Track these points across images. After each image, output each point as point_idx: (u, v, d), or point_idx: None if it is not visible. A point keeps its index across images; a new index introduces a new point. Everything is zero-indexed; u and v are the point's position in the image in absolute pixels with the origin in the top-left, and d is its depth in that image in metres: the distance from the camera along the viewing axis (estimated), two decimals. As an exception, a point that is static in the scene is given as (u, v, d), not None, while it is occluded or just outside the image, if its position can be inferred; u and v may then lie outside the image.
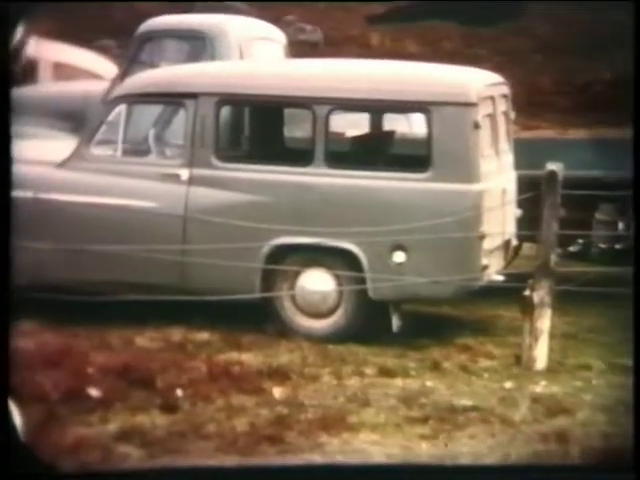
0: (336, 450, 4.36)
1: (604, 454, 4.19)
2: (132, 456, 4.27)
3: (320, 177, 5.94)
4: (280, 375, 5.18)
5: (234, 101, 6.29)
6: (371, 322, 5.92)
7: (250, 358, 5.45)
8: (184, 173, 6.05)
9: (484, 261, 5.81)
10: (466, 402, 4.87)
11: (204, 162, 6.05)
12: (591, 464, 4.25)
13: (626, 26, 4.62)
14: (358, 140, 6.69)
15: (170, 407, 4.73)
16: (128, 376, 4.98)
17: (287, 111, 6.70)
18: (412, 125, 7.25)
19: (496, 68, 6.99)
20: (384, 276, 5.74)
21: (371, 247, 5.76)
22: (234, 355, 5.50)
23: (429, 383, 5.19)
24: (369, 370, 5.35)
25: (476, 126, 5.84)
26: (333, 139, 6.11)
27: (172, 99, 6.23)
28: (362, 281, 5.81)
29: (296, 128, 6.82)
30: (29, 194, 5.94)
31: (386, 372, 5.31)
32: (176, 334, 5.77)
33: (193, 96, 6.07)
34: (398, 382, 5.19)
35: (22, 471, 3.81)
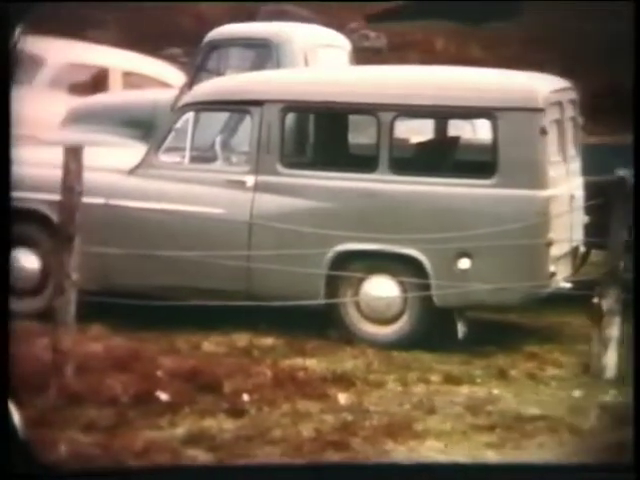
0: (402, 457, 4.36)
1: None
2: (200, 460, 4.32)
3: (385, 183, 5.95)
4: (345, 381, 5.19)
5: (299, 108, 6.33)
6: (436, 329, 5.90)
7: (314, 364, 5.48)
8: (250, 180, 6.10)
9: (551, 268, 5.76)
10: (534, 411, 4.83)
11: (269, 169, 6.10)
12: (591, 464, 4.22)
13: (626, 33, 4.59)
14: (423, 146, 6.68)
15: (237, 412, 4.78)
16: (195, 380, 5.04)
17: (351, 118, 6.73)
18: (477, 131, 7.22)
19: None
20: (449, 283, 5.72)
21: (436, 254, 5.75)
22: (299, 361, 5.52)
23: (495, 391, 5.16)
24: (434, 377, 5.34)
25: (543, 132, 5.80)
26: (397, 145, 6.11)
27: (238, 106, 6.29)
28: (427, 288, 5.80)
29: (360, 135, 6.84)
30: (100, 201, 6.05)
31: (451, 379, 5.29)
32: (242, 339, 5.82)
33: (259, 103, 6.13)
34: (464, 390, 5.17)
35: (22, 471, 3.84)
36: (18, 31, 4.32)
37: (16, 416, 3.90)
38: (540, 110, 5.81)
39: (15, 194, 6.20)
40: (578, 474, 4.05)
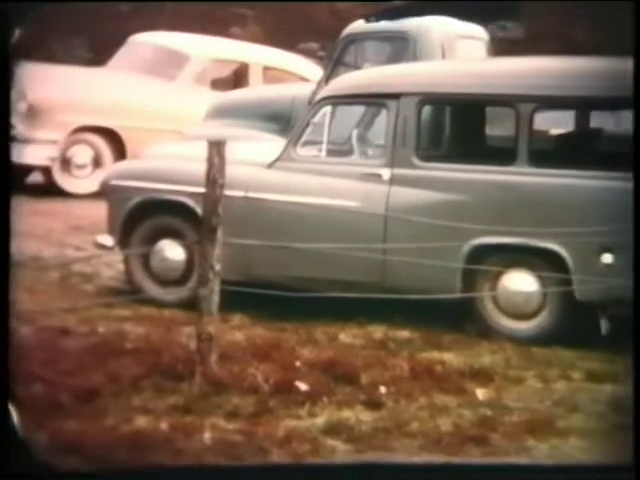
0: (544, 455, 4.29)
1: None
2: (339, 450, 4.36)
3: (523, 176, 5.85)
4: (483, 376, 5.14)
5: (436, 101, 6.30)
6: (577, 325, 5.78)
7: (451, 358, 5.44)
8: (385, 173, 6.11)
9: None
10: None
11: (405, 162, 6.09)
12: (591, 464, 4.09)
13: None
14: (563, 138, 6.54)
15: (374, 403, 4.79)
16: (333, 371, 5.08)
17: (488, 109, 6.65)
18: (621, 122, 7.02)
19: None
20: (591, 278, 5.59)
21: (577, 248, 5.63)
22: (435, 354, 5.50)
23: (640, 390, 5.02)
24: (576, 374, 5.23)
25: (690, 123, 5.59)
26: (537, 137, 6.01)
27: (374, 100, 6.30)
28: (567, 282, 5.68)
29: (497, 126, 6.75)
30: (240, 194, 6.17)
31: (594, 377, 5.17)
32: (378, 331, 5.83)
33: (395, 96, 6.12)
34: (607, 388, 5.05)
35: (22, 471, 3.86)
36: None
37: (15, 416, 3.93)
38: (688, 100, 5.60)
39: (162, 186, 6.42)
40: (578, 474, 3.98)
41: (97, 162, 9.47)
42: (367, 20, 8.00)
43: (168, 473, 4.09)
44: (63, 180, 9.45)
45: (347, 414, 4.67)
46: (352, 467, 4.22)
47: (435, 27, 7.85)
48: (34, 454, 3.91)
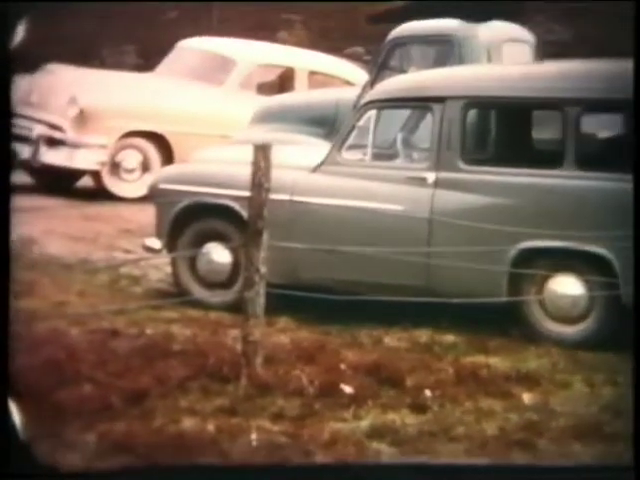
0: (590, 460, 4.26)
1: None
2: (384, 453, 4.37)
3: (570, 180, 5.82)
4: (529, 380, 5.12)
5: (481, 104, 6.29)
6: (624, 329, 5.72)
7: (497, 362, 5.42)
8: (430, 176, 6.11)
9: None
10: None
11: (450, 165, 6.09)
12: (591, 464, 4.04)
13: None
14: (610, 141, 6.49)
15: (419, 407, 4.79)
16: (378, 374, 5.09)
17: (535, 112, 6.61)
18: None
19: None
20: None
21: (624, 251, 5.57)
22: (481, 358, 5.48)
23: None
24: (622, 379, 5.18)
25: None
26: (584, 140, 5.97)
27: (420, 103, 6.31)
28: (614, 286, 5.64)
29: (544, 130, 6.72)
30: (285, 197, 6.21)
31: (641, 382, 5.12)
32: (423, 335, 5.83)
33: (440, 100, 6.12)
34: (655, 393, 4.99)
35: (22, 471, 3.87)
36: None
37: (16, 416, 3.94)
38: None
39: (208, 190, 6.49)
40: (578, 474, 3.94)
41: (145, 166, 9.59)
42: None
43: (168, 473, 4.11)
44: (112, 184, 9.57)
45: (392, 417, 4.67)
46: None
47: (481, 31, 7.83)
48: (34, 454, 3.93)
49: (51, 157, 9.44)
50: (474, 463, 4.26)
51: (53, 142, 9.46)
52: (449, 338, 5.80)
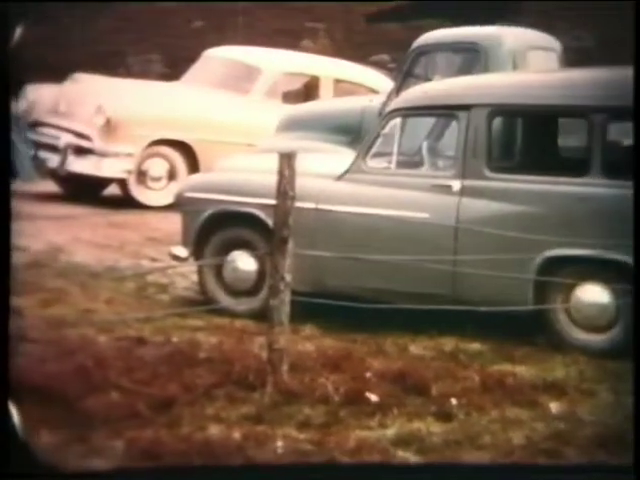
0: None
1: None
2: (409, 461, 4.36)
3: (597, 187, 5.80)
4: (556, 389, 5.10)
5: (507, 112, 6.28)
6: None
7: (523, 370, 5.40)
8: (456, 184, 6.11)
9: None
10: None
11: (476, 173, 6.08)
12: (591, 464, 4.00)
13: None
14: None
15: (445, 415, 4.78)
16: (403, 382, 5.09)
17: (561, 120, 6.59)
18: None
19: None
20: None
21: (652, 260, 5.54)
22: (507, 367, 5.46)
23: None
24: (650, 388, 5.14)
25: None
26: (610, 148, 5.94)
27: (445, 111, 6.31)
28: (642, 295, 5.60)
29: (569, 137, 6.70)
30: (310, 205, 6.23)
31: (669, 391, 5.08)
32: (448, 343, 5.82)
33: (466, 108, 6.12)
34: (682, 402, 4.95)
35: (22, 471, 3.86)
36: None
37: (16, 416, 3.94)
38: None
39: (234, 199, 6.52)
40: (578, 474, 3.91)
41: (172, 175, 9.64)
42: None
43: (168, 473, 4.12)
44: (139, 192, 9.63)
45: (418, 425, 4.66)
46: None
47: (506, 38, 7.82)
48: (34, 454, 3.93)
49: (78, 166, 9.52)
50: (474, 463, 4.25)
51: (80, 151, 9.53)
52: (475, 346, 5.79)
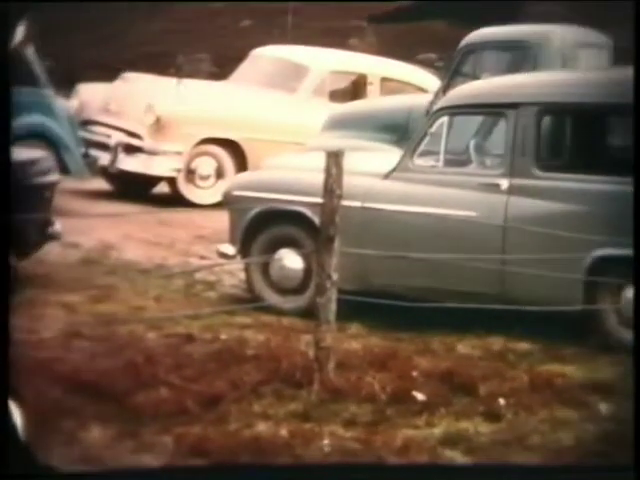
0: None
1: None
2: (457, 461, 4.35)
3: (647, 186, 5.72)
4: (605, 390, 5.05)
5: (555, 110, 6.23)
6: None
7: (572, 371, 5.36)
8: (504, 183, 6.07)
9: None
10: None
11: (524, 172, 6.04)
12: (591, 464, 3.96)
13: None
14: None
15: (493, 415, 4.76)
16: (451, 382, 5.08)
17: (610, 119, 6.53)
18: None
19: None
20: None
21: None
22: (556, 367, 5.42)
23: None
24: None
25: None
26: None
27: (493, 109, 6.28)
28: (693, 296, 5.52)
29: (618, 136, 6.62)
30: (357, 204, 6.24)
31: None
32: (496, 343, 5.79)
33: (514, 106, 6.08)
34: None
35: (22, 471, 3.86)
36: None
37: (17, 416, 3.93)
38: None
39: (281, 197, 6.55)
40: (578, 474, 3.88)
41: (220, 173, 9.71)
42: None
43: (168, 474, 4.13)
44: (187, 191, 9.72)
45: (465, 425, 4.65)
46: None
47: (555, 36, 7.75)
48: (34, 454, 3.93)
49: (128, 164, 9.62)
50: (474, 463, 4.22)
51: (131, 149, 9.64)
52: (523, 346, 5.75)
